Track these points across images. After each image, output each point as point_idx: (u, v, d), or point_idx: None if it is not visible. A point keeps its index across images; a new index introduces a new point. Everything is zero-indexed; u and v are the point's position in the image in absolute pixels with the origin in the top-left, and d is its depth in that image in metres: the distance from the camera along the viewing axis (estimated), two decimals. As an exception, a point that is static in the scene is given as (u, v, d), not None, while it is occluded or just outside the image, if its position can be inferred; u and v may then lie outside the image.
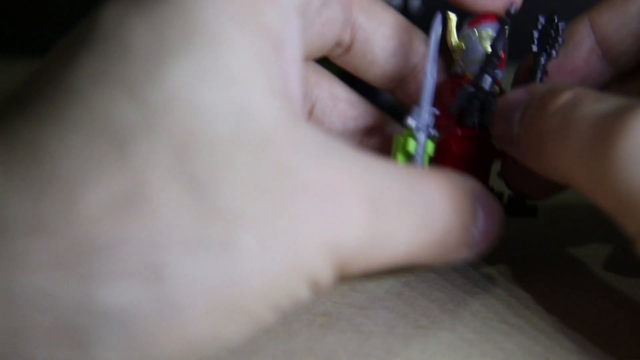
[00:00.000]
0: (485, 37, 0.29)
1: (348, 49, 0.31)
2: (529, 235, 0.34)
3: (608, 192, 0.22)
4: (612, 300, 0.28)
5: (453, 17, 0.30)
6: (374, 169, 0.22)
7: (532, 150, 0.26)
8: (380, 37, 0.31)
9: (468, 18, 0.30)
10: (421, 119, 0.29)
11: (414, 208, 0.23)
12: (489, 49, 0.29)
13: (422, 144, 0.29)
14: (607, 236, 0.34)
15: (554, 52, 0.29)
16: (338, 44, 0.30)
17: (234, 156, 0.20)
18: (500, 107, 0.28)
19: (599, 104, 0.23)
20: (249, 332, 0.21)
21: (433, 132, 0.29)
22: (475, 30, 0.30)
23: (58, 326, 0.18)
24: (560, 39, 0.29)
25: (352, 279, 0.22)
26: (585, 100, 0.24)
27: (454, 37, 0.30)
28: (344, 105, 0.32)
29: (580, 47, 0.30)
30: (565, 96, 0.25)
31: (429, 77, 0.29)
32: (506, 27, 0.28)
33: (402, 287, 0.29)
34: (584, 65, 0.30)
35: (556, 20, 0.29)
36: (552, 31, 0.29)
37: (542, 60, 0.29)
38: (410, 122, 0.28)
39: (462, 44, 0.30)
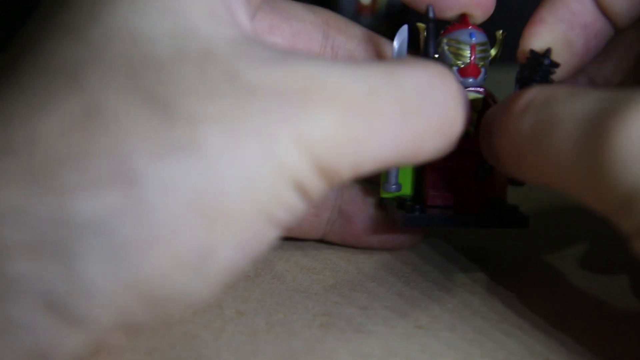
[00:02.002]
0: (454, 44, 0.30)
1: None
2: (529, 235, 0.34)
3: (603, 192, 0.22)
4: (612, 300, 0.28)
5: (423, 27, 0.30)
6: (334, 66, 0.22)
7: (511, 159, 0.25)
8: (361, 53, 0.31)
9: (445, 26, 0.30)
10: None
11: (390, 97, 0.22)
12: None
13: None
14: (607, 236, 0.34)
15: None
16: None
17: (182, 70, 0.20)
18: (482, 124, 0.27)
19: (584, 100, 0.22)
20: (252, 251, 0.21)
21: None
22: (445, 38, 0.30)
23: (38, 242, 0.19)
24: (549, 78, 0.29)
25: (344, 180, 0.22)
26: (561, 98, 0.23)
27: (424, 47, 0.30)
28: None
29: (585, 3, 0.30)
30: (529, 94, 0.24)
31: None
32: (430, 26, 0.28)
33: (402, 286, 0.29)
34: (594, 21, 0.30)
35: (545, 62, 0.28)
36: (539, 68, 0.28)
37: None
38: None
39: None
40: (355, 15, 0.45)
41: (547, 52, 0.28)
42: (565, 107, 0.23)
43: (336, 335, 0.26)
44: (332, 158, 0.21)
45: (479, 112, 0.30)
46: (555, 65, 0.28)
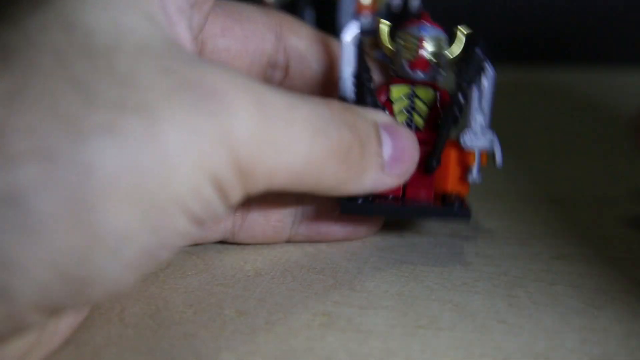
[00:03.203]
0: (404, 37, 0.30)
1: (286, 70, 0.32)
2: (529, 235, 0.34)
3: None
4: (612, 299, 0.28)
5: (383, 23, 0.30)
6: (257, 82, 0.23)
7: None
8: (314, 52, 0.32)
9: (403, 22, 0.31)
10: None
11: (305, 114, 0.24)
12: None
13: None
14: (608, 236, 0.34)
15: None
16: (273, 66, 0.32)
17: (114, 61, 0.21)
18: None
19: None
20: (167, 239, 0.21)
21: None
22: (399, 32, 0.30)
23: None
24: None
25: (258, 190, 0.23)
26: None
27: (384, 42, 0.31)
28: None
29: None
30: None
31: (343, 79, 0.30)
32: (360, 49, 0.29)
33: (402, 286, 0.29)
34: None
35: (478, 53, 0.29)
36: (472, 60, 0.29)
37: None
38: None
39: (392, 47, 0.31)
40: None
41: (480, 43, 0.28)
42: None
43: (336, 335, 0.26)
44: (251, 160, 0.22)
45: (430, 107, 0.30)
46: (487, 56, 0.28)
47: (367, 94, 0.29)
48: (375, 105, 0.29)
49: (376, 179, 0.27)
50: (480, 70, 0.28)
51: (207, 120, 0.21)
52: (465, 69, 0.28)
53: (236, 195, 0.22)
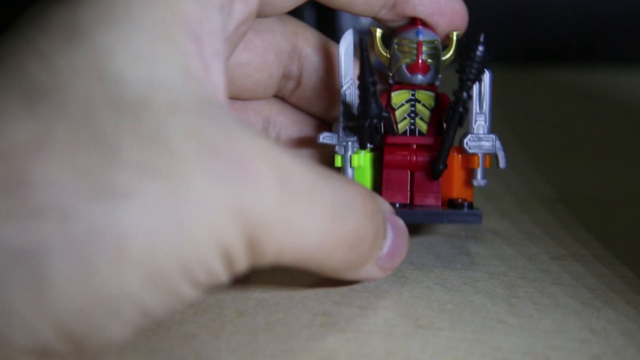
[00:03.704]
0: (401, 42, 0.30)
1: (298, 82, 0.32)
2: (529, 235, 0.34)
3: None
4: (612, 299, 0.28)
5: (376, 31, 0.30)
6: (285, 153, 0.23)
7: None
8: (327, 65, 0.32)
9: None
10: (338, 134, 0.30)
11: (325, 196, 0.23)
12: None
13: (347, 158, 0.30)
14: (608, 236, 0.34)
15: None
16: (287, 76, 0.32)
17: (141, 117, 0.21)
18: None
19: None
20: (169, 304, 0.21)
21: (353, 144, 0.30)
22: (395, 39, 0.30)
23: None
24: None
25: (262, 264, 0.23)
26: None
27: (377, 49, 0.31)
28: (309, 129, 0.33)
29: None
30: None
31: (342, 91, 0.30)
32: (364, 53, 0.28)
33: (402, 287, 0.29)
34: None
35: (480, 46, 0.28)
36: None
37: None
38: (320, 139, 0.29)
39: (387, 54, 0.31)
40: (356, 15, 0.45)
41: (481, 38, 0.28)
42: None
43: (336, 335, 0.26)
44: (263, 237, 0.22)
45: (431, 110, 0.30)
46: (489, 50, 0.28)
47: (371, 98, 0.28)
48: (380, 109, 0.29)
49: (369, 271, 0.27)
50: (483, 68, 0.28)
51: (228, 192, 0.21)
52: (469, 66, 0.28)
53: (241, 266, 0.22)
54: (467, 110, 0.29)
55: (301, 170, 0.23)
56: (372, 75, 0.28)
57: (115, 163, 0.20)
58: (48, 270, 0.19)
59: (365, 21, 0.45)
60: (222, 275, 0.22)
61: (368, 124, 0.29)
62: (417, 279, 0.30)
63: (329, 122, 0.32)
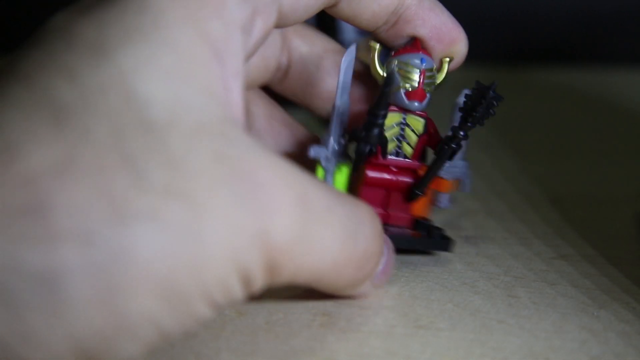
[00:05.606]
0: (404, 67, 0.30)
1: (286, 72, 0.32)
2: (529, 235, 0.34)
3: None
4: (612, 299, 0.28)
5: (375, 46, 0.30)
6: (302, 175, 0.23)
7: None
8: (314, 57, 0.32)
9: (397, 48, 0.30)
10: (327, 147, 0.29)
11: (341, 218, 0.24)
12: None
13: (330, 172, 0.29)
14: (608, 235, 0.34)
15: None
16: (278, 68, 0.32)
17: (169, 140, 0.21)
18: None
19: None
20: (185, 324, 0.21)
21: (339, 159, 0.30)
22: (396, 60, 0.30)
23: None
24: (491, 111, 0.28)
25: (279, 284, 0.23)
26: None
27: (374, 67, 0.30)
28: (278, 125, 0.32)
29: None
30: None
31: (337, 106, 0.29)
32: (386, 89, 0.28)
33: (402, 287, 0.29)
34: None
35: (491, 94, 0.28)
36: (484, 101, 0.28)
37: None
38: (312, 152, 0.29)
39: (383, 73, 0.30)
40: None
41: (493, 85, 0.28)
42: None
43: (336, 335, 0.26)
44: (282, 259, 0.22)
45: (419, 135, 0.30)
46: (500, 98, 0.28)
47: (376, 128, 0.28)
48: (382, 139, 0.29)
49: (365, 288, 0.27)
50: (489, 113, 0.28)
51: (249, 216, 0.21)
52: (477, 111, 0.28)
53: (257, 285, 0.22)
54: (460, 147, 0.29)
55: (318, 193, 0.23)
56: (385, 109, 0.28)
57: (140, 186, 0.20)
58: (69, 293, 0.19)
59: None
60: (239, 295, 0.22)
61: (369, 150, 0.29)
62: (417, 279, 0.30)
63: (311, 110, 0.33)
